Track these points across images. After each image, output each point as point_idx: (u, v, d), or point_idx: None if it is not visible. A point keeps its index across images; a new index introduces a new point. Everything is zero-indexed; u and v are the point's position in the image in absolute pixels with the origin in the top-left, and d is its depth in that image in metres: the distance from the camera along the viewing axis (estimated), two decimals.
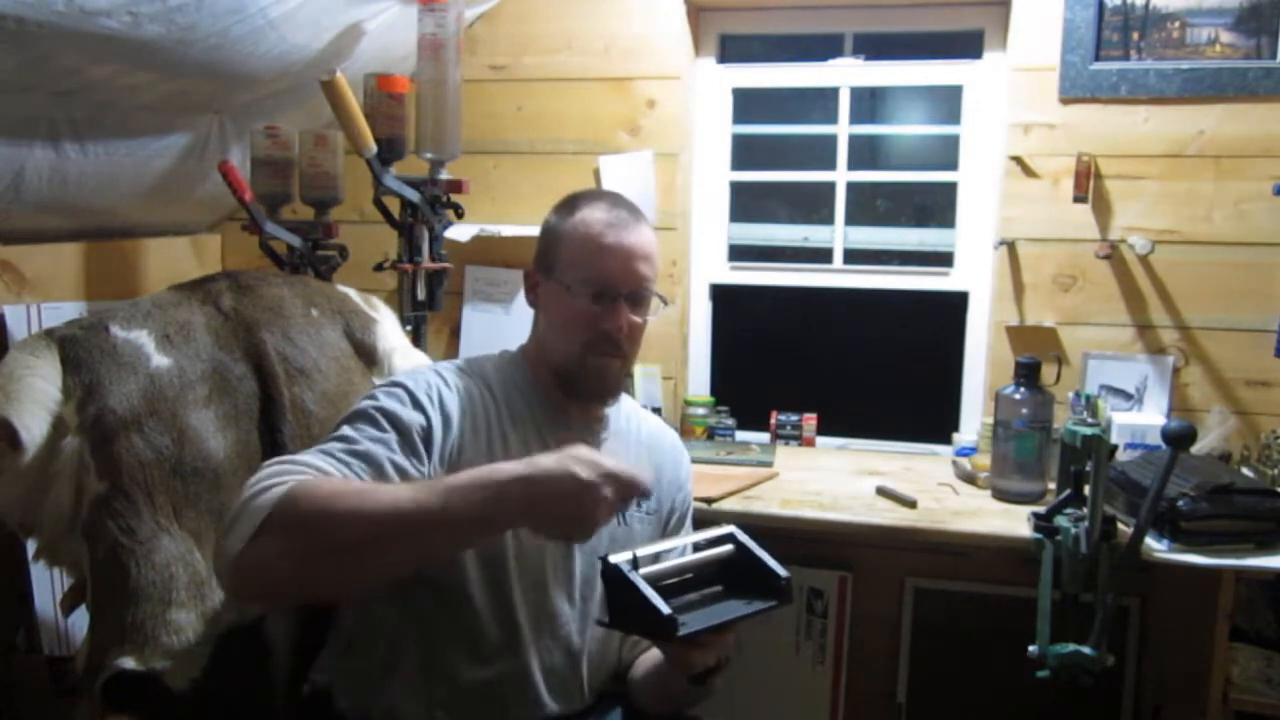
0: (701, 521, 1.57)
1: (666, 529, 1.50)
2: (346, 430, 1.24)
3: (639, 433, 1.50)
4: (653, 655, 1.41)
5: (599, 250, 1.34)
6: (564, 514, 1.05)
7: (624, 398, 1.50)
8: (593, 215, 1.36)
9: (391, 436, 1.23)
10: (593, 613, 1.39)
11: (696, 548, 1.23)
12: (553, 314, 1.38)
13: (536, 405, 1.39)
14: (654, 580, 1.11)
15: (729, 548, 1.21)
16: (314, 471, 1.15)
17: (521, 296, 2.49)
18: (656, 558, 1.18)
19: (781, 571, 1.17)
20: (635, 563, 1.11)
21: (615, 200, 1.40)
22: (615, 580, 1.10)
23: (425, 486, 1.10)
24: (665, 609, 1.06)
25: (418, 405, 1.28)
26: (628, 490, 1.06)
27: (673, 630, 1.06)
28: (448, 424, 1.29)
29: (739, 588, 1.18)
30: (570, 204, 1.40)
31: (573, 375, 1.36)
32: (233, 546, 1.07)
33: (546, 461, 1.06)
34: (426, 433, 1.26)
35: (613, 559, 1.10)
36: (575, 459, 1.05)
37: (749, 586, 1.18)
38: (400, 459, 1.22)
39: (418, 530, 1.05)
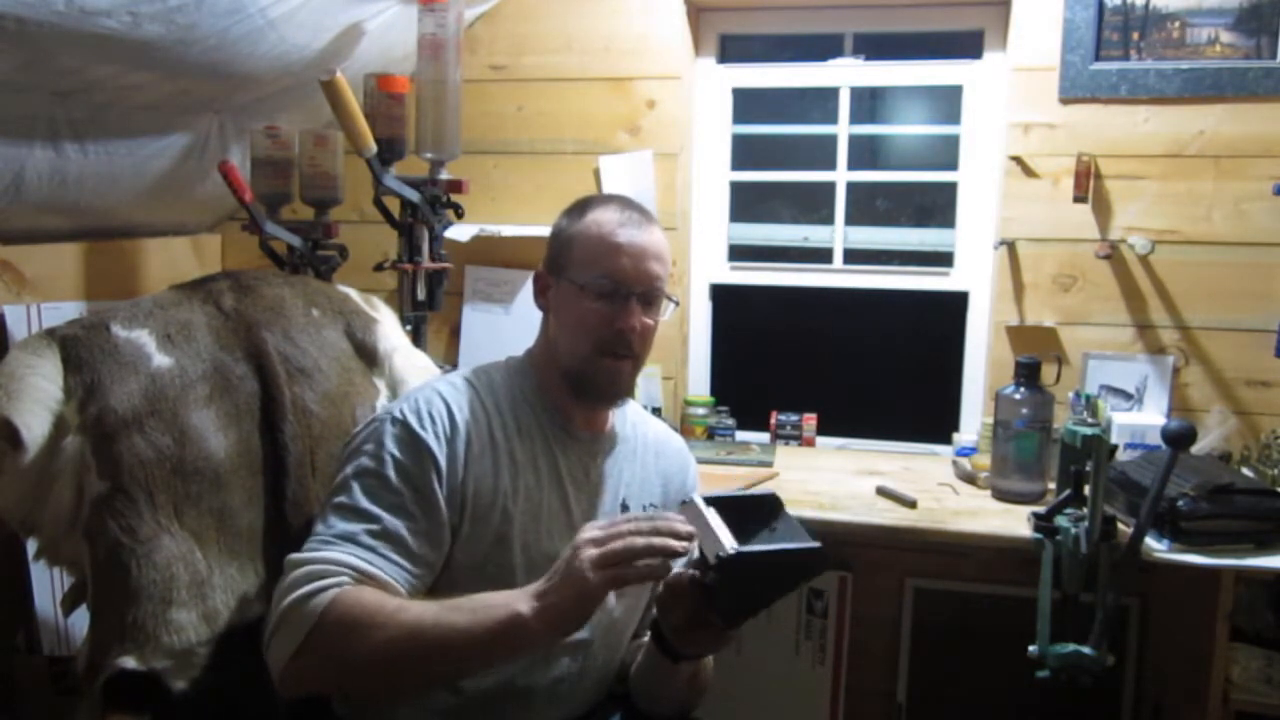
0: None
1: None
2: (360, 498, 1.23)
3: (645, 439, 1.48)
4: (648, 651, 1.41)
5: (612, 249, 1.32)
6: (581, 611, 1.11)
7: (629, 402, 1.49)
8: (605, 215, 1.35)
9: (406, 497, 1.23)
10: (602, 622, 1.37)
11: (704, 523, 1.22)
12: (564, 315, 1.36)
13: (543, 416, 1.37)
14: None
15: (714, 510, 1.20)
16: (349, 574, 1.17)
17: (521, 296, 2.54)
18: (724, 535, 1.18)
19: (769, 493, 1.21)
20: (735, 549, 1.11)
21: (626, 202, 1.39)
22: (735, 566, 1.09)
23: (449, 624, 1.13)
24: (813, 542, 1.08)
25: (422, 448, 1.26)
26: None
27: (825, 554, 1.08)
28: (454, 454, 1.27)
29: (747, 526, 1.19)
30: (581, 206, 1.39)
31: (583, 377, 1.34)
32: (279, 657, 1.15)
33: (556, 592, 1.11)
34: (437, 473, 1.25)
35: (731, 551, 1.09)
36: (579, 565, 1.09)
37: (750, 521, 1.19)
38: (421, 524, 1.23)
39: (448, 659, 1.14)
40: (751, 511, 1.20)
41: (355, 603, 1.14)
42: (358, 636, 1.12)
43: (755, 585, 1.11)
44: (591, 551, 1.08)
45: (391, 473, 1.24)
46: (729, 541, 1.09)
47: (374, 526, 1.21)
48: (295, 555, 1.21)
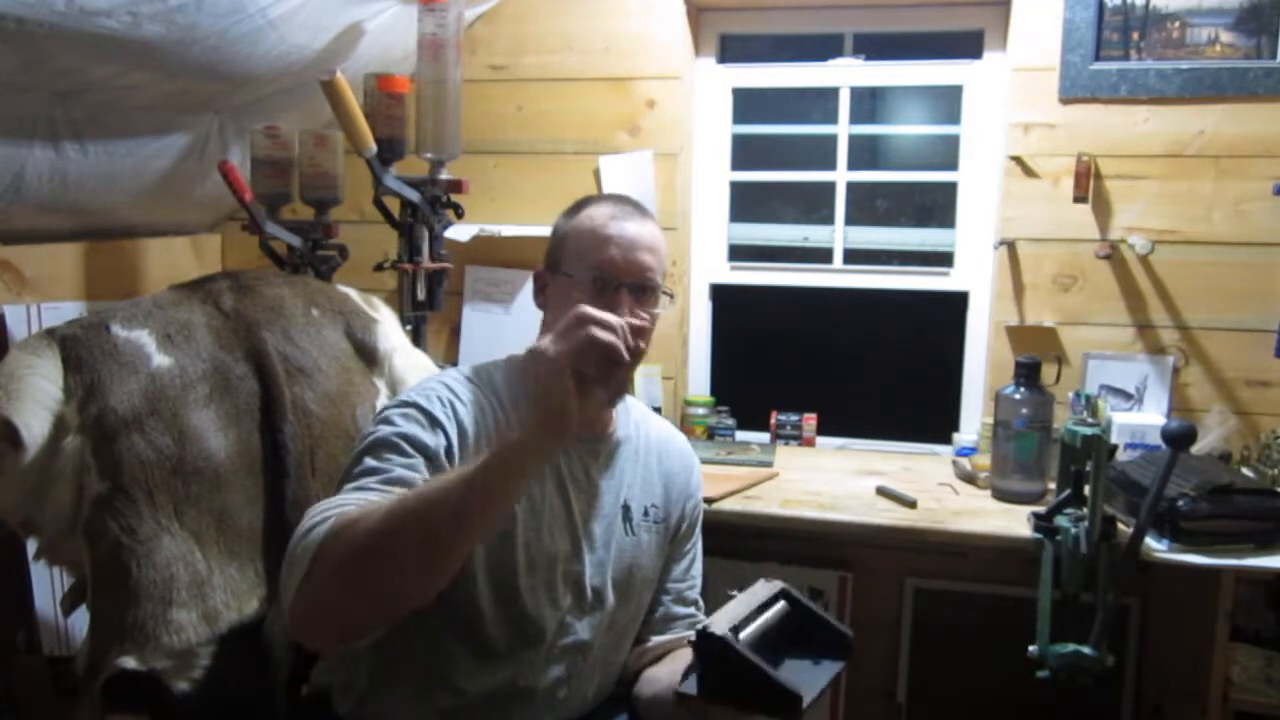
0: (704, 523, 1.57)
1: (675, 537, 1.48)
2: (371, 461, 1.21)
3: (648, 440, 1.47)
4: (660, 674, 1.40)
5: (602, 240, 1.32)
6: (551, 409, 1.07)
7: (631, 401, 1.48)
8: (598, 210, 1.36)
9: (419, 461, 1.22)
10: (602, 623, 1.37)
11: (750, 601, 1.17)
12: (558, 309, 1.33)
13: None
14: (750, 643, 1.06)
15: (784, 605, 1.17)
16: (353, 506, 1.14)
17: (521, 296, 2.54)
18: (744, 622, 1.11)
19: (846, 630, 1.15)
20: (736, 631, 1.05)
21: (622, 200, 1.40)
22: (717, 651, 1.05)
23: (444, 475, 1.11)
24: (791, 686, 1.01)
25: (435, 424, 1.26)
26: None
27: (798, 707, 1.00)
28: (464, 437, 1.28)
29: (796, 644, 1.14)
30: (577, 205, 1.40)
31: (577, 371, 1.34)
32: (288, 594, 1.10)
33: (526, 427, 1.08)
34: (449, 452, 1.25)
35: (715, 630, 1.04)
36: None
37: (803, 642, 1.14)
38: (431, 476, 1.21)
39: (449, 503, 1.05)
40: (822, 634, 1.14)
41: (351, 511, 1.10)
42: (354, 531, 1.07)
43: (722, 678, 1.06)
44: (546, 342, 1.09)
45: (403, 442, 1.23)
46: (725, 624, 1.06)
47: (385, 475, 1.19)
48: None
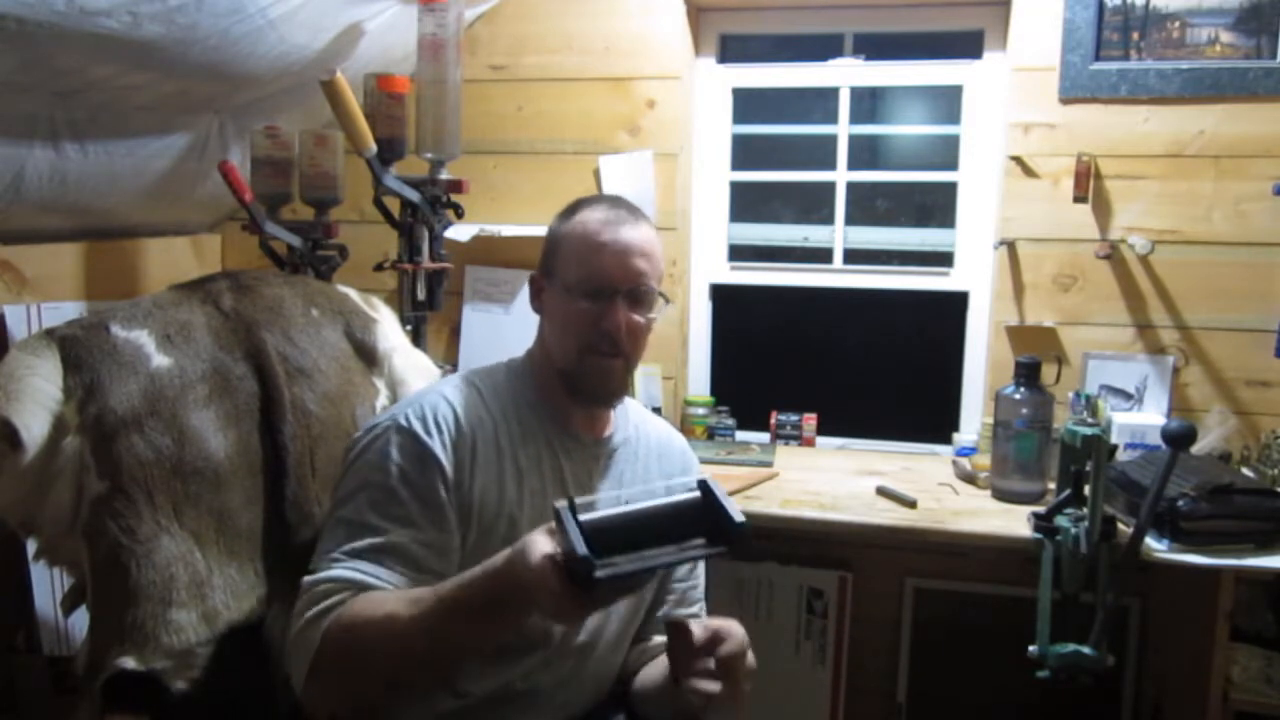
0: None
1: None
2: (367, 515, 1.23)
3: (647, 441, 1.48)
4: (656, 669, 1.39)
5: (595, 247, 1.31)
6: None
7: (630, 403, 1.48)
8: (591, 215, 1.34)
9: (413, 509, 1.23)
10: (604, 627, 1.37)
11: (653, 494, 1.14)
12: (554, 316, 1.36)
13: (546, 419, 1.37)
14: (603, 528, 1.03)
15: (695, 495, 1.11)
16: (352, 591, 1.18)
17: (522, 296, 2.53)
18: (616, 504, 1.10)
19: (737, 517, 1.06)
20: (573, 505, 1.05)
21: (616, 202, 1.38)
22: (556, 515, 1.06)
23: (440, 600, 1.12)
24: (582, 549, 0.98)
25: (428, 456, 1.25)
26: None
27: (589, 570, 0.98)
28: (460, 461, 1.27)
29: (696, 536, 1.08)
30: (571, 208, 1.39)
31: (575, 377, 1.34)
32: (296, 681, 1.19)
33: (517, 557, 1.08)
34: (444, 482, 1.25)
35: (557, 503, 1.06)
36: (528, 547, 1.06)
37: (710, 535, 1.08)
38: (428, 534, 1.23)
39: (447, 639, 1.12)
40: (720, 527, 1.07)
41: (353, 609, 1.15)
42: (358, 634, 1.13)
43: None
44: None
45: (397, 484, 1.23)
46: (564, 501, 1.06)
47: (379, 540, 1.21)
48: (306, 578, 1.22)
